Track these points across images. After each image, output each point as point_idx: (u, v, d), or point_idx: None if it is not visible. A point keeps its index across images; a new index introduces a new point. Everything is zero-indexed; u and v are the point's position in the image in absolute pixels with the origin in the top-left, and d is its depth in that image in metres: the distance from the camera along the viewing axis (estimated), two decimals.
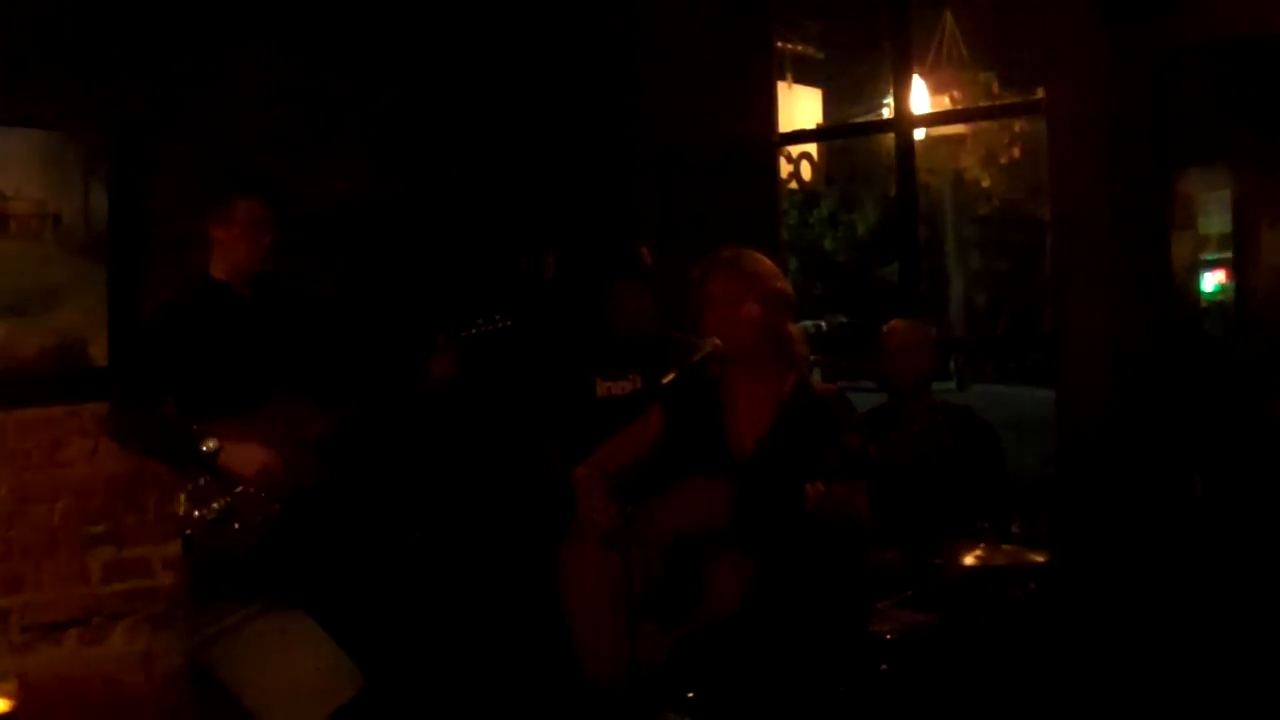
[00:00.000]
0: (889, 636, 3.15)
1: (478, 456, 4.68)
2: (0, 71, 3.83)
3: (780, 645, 2.81)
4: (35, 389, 3.88)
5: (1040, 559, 3.21)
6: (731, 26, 5.05)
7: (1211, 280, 4.65)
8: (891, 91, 5.09)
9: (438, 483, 4.61)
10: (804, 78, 6.15)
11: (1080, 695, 3.56)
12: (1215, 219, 4.64)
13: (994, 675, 3.22)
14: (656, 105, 5.13)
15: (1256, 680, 3.57)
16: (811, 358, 3.49)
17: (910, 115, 5.01)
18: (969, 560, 3.19)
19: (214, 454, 3.32)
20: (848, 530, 2.81)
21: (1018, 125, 7.66)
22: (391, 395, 3.66)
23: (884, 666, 3.10)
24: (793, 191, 5.81)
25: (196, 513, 3.36)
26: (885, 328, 4.10)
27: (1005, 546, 3.25)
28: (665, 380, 2.88)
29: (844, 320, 18.89)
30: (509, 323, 3.69)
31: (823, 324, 17.86)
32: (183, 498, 3.38)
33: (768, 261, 3.07)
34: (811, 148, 5.50)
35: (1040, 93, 4.47)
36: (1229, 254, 4.52)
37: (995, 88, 6.71)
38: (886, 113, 5.83)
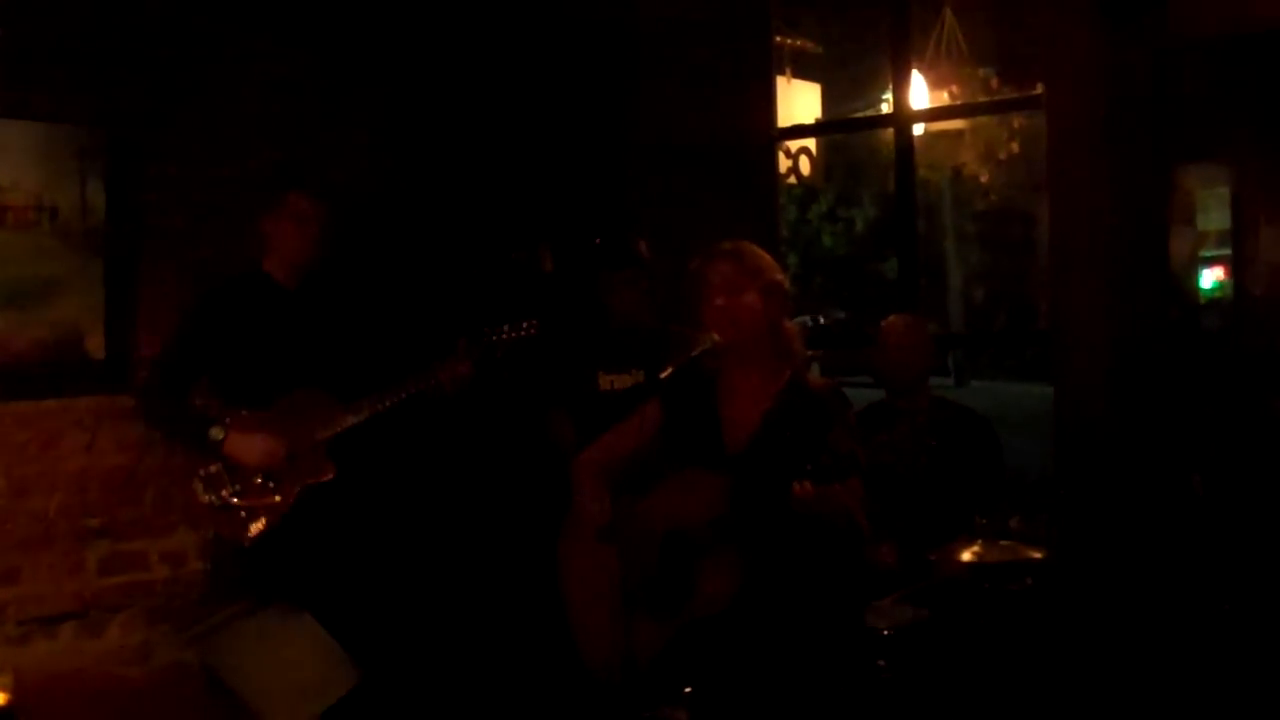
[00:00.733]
0: (885, 632, 3.15)
1: (487, 457, 4.67)
2: None
3: (775, 640, 2.82)
4: (31, 382, 3.89)
5: (1038, 555, 3.21)
6: (730, 21, 5.04)
7: (1210, 277, 4.65)
8: (890, 87, 5.07)
9: (441, 483, 4.60)
10: (803, 72, 6.15)
11: (1078, 691, 3.56)
12: (1214, 215, 4.63)
13: (991, 671, 3.22)
14: (655, 100, 5.12)
15: (1256, 678, 3.57)
16: (810, 354, 3.49)
17: (909, 110, 4.99)
18: (966, 556, 3.19)
19: (218, 443, 3.38)
20: (837, 528, 2.82)
21: (1016, 121, 7.66)
22: (406, 398, 3.60)
23: (881, 662, 3.10)
24: (791, 186, 5.81)
25: (207, 499, 3.43)
26: (883, 324, 4.09)
27: (1003, 542, 3.25)
28: (663, 374, 2.90)
29: (842, 316, 18.89)
30: (534, 329, 3.64)
31: (821, 319, 17.85)
32: (199, 485, 3.44)
33: (767, 255, 3.09)
34: (810, 143, 5.50)
35: (1039, 88, 4.46)
36: (1228, 250, 4.51)
37: (994, 83, 6.70)
38: (885, 108, 5.82)
